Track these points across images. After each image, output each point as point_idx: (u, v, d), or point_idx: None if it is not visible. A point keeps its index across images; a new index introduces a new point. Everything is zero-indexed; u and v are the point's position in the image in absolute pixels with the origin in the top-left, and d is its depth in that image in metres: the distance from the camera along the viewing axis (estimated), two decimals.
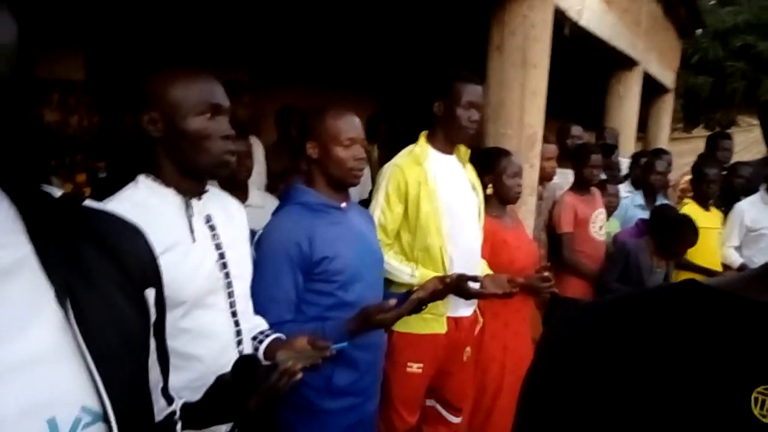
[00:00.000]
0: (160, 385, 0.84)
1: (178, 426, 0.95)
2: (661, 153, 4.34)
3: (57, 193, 0.68)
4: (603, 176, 3.81)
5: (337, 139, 1.72)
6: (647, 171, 4.08)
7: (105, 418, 0.62)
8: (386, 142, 4.84)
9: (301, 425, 1.74)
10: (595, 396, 0.52)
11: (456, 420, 2.42)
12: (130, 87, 1.41)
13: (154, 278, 0.76)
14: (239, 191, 2.59)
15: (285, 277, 1.64)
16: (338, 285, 1.71)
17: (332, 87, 5.49)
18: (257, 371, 1.01)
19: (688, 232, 3.24)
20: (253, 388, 1.03)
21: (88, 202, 0.74)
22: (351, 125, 1.75)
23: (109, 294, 0.67)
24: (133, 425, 0.65)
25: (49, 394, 0.58)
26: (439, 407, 2.40)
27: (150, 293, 0.75)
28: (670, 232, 3.29)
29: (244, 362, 1.00)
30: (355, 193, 2.64)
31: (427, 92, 2.32)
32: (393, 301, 1.58)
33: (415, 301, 1.65)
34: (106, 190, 1.32)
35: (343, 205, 1.81)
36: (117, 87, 3.46)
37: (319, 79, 5.59)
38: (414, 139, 2.29)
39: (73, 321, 0.61)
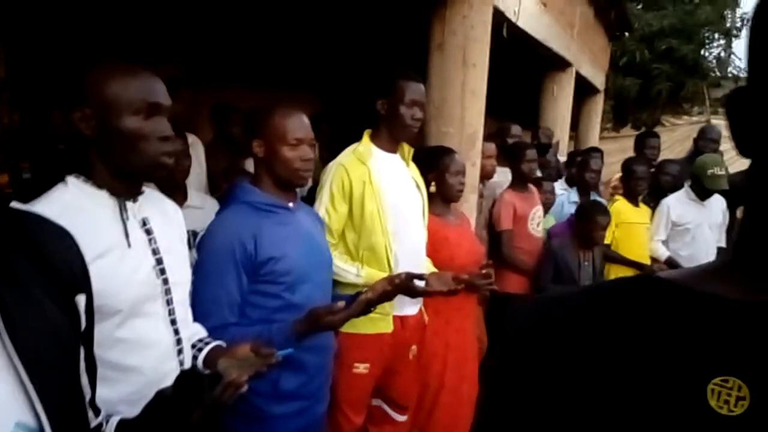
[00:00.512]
0: (88, 396, 0.79)
1: None
2: (594, 152, 4.51)
3: None
4: (539, 174, 3.92)
5: (284, 139, 1.68)
6: (582, 169, 4.22)
7: None
8: (328, 142, 4.81)
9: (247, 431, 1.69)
10: (555, 390, 0.52)
11: (402, 418, 2.42)
12: (63, 82, 1.32)
13: (84, 284, 0.73)
14: (177, 192, 2.49)
15: (229, 278, 1.59)
16: (285, 287, 1.67)
17: (271, 85, 5.39)
18: (201, 385, 0.97)
19: (597, 213, 3.38)
20: (196, 403, 0.99)
21: (14, 204, 0.70)
22: (299, 125, 1.71)
23: (38, 301, 0.64)
24: None
25: None
26: (385, 406, 2.40)
27: (80, 299, 0.71)
28: (582, 219, 3.42)
29: (187, 376, 0.96)
30: None
31: (369, 90, 2.31)
32: (342, 303, 1.55)
33: (363, 302, 1.64)
34: (31, 192, 1.23)
35: (291, 204, 1.77)
36: (42, 83, 3.27)
37: (257, 77, 5.46)
38: (356, 139, 2.27)
39: (2, 330, 0.58)
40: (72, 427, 0.64)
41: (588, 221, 3.38)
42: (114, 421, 1.04)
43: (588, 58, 6.87)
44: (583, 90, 7.34)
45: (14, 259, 0.63)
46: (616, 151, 8.45)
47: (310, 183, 3.86)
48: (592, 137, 8.01)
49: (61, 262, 0.69)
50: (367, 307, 1.68)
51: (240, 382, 1.10)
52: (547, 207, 3.91)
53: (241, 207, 1.69)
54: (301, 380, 1.74)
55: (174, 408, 0.97)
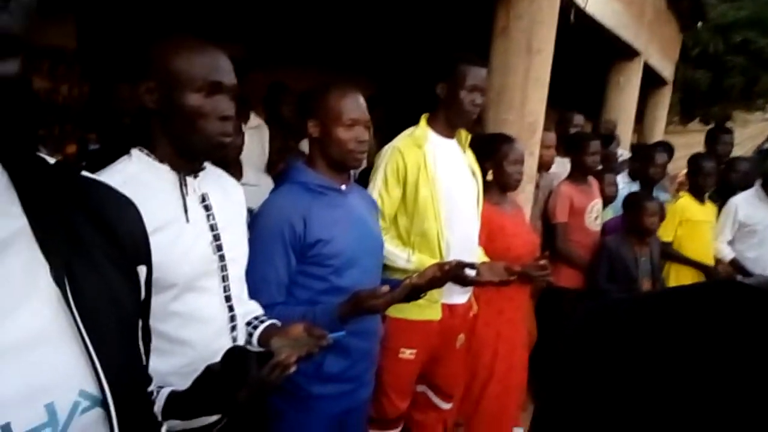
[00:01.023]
0: (143, 362, 0.80)
1: (156, 407, 0.93)
2: (661, 146, 4.32)
3: (51, 160, 0.64)
4: (599, 166, 3.79)
5: (340, 120, 1.65)
6: (646, 163, 4.05)
7: (103, 403, 0.59)
8: (383, 126, 4.78)
9: (290, 411, 1.70)
10: (626, 393, 0.50)
11: (447, 406, 2.40)
12: (131, 54, 1.33)
13: (146, 256, 0.73)
14: (232, 169, 2.53)
15: (277, 258, 1.59)
16: (332, 270, 1.65)
17: (326, 67, 5.39)
18: (248, 363, 0.97)
19: (643, 200, 3.23)
20: (243, 380, 0.99)
21: (84, 173, 0.70)
22: (355, 105, 1.68)
23: (105, 270, 0.64)
24: (130, 409, 0.63)
25: (46, 377, 0.56)
26: (430, 393, 2.38)
27: (142, 270, 0.72)
28: (630, 209, 3.29)
29: (235, 353, 0.96)
30: None
31: (429, 74, 2.26)
32: (386, 288, 1.53)
33: (408, 286, 1.59)
34: (98, 163, 1.26)
35: (343, 187, 1.75)
36: (110, 55, 3.37)
37: (311, 58, 5.47)
38: (411, 123, 2.23)
39: (71, 300, 0.58)
40: (132, 397, 0.64)
41: (636, 210, 3.24)
42: (165, 392, 1.06)
43: (657, 47, 6.58)
44: (650, 81, 7.05)
45: (80, 225, 0.63)
46: (683, 146, 8.10)
47: (364, 164, 3.89)
48: (658, 131, 7.71)
49: (126, 232, 0.69)
50: (414, 293, 1.66)
51: (288, 363, 1.09)
52: (609, 200, 3.79)
53: (293, 187, 1.68)
54: (345, 364, 1.73)
55: (221, 384, 0.98)
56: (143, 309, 0.73)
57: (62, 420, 0.56)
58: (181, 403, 1.05)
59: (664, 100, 7.83)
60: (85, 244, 0.63)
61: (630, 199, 3.37)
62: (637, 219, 3.25)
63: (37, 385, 0.55)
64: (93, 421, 0.59)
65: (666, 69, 7.35)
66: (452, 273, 1.76)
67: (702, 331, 0.49)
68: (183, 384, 1.06)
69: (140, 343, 0.74)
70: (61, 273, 0.58)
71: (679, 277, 3.75)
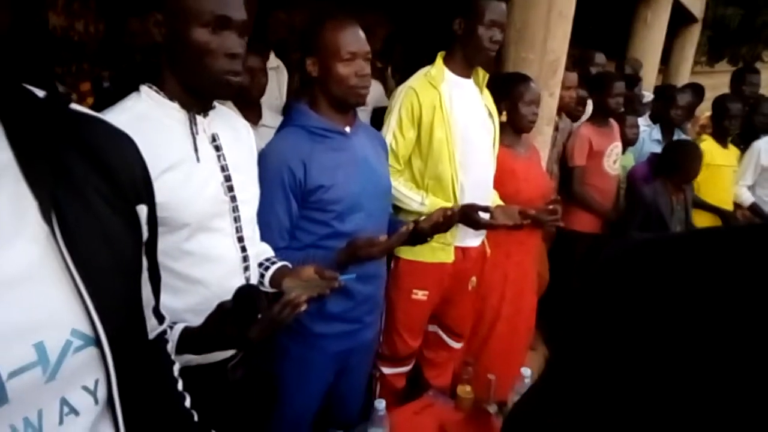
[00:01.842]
0: (152, 304, 0.81)
1: (169, 345, 0.94)
2: (690, 88, 4.18)
3: (40, 93, 0.61)
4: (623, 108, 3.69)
5: (338, 54, 1.58)
6: (668, 105, 3.94)
7: (97, 342, 0.58)
8: (401, 64, 4.67)
9: (294, 347, 1.73)
10: (648, 338, 0.49)
11: (457, 345, 2.45)
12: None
13: (146, 194, 0.71)
14: (252, 110, 2.51)
15: (278, 203, 1.57)
16: (334, 215, 1.64)
17: (345, 4, 5.22)
18: (258, 301, 0.98)
19: (691, 149, 3.21)
20: (253, 318, 1.01)
21: (75, 106, 0.67)
22: (352, 37, 1.59)
23: (97, 209, 0.62)
24: (126, 348, 0.62)
25: (35, 316, 0.55)
26: (441, 333, 2.43)
27: (142, 210, 0.69)
28: (675, 157, 3.25)
29: (245, 291, 0.97)
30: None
31: (446, 9, 2.18)
32: (383, 237, 1.52)
33: (404, 234, 1.57)
34: (109, 101, 1.25)
35: (348, 129, 1.70)
36: None
37: None
38: (430, 61, 2.17)
39: (59, 237, 0.56)
40: (127, 336, 0.63)
41: (683, 158, 3.21)
42: (179, 328, 1.09)
43: None
44: (679, 18, 6.74)
45: (72, 161, 0.61)
46: (709, 87, 7.80)
47: (385, 102, 3.82)
48: (684, 71, 7.43)
49: (123, 170, 0.67)
50: (420, 237, 1.66)
51: (299, 301, 1.10)
52: (630, 143, 3.72)
53: (294, 131, 1.63)
54: (348, 305, 1.74)
55: (232, 321, 1.00)
56: (149, 248, 0.72)
57: (53, 359, 0.55)
58: (194, 339, 1.08)
59: (692, 38, 7.50)
60: (77, 180, 0.61)
61: (675, 146, 3.32)
62: (682, 168, 3.22)
63: (24, 324, 0.54)
64: (87, 360, 0.59)
65: (696, 5, 7.00)
66: (457, 218, 1.75)
67: (730, 279, 0.47)
68: (197, 321, 1.08)
69: (147, 282, 0.74)
70: (48, 209, 0.56)
71: (697, 222, 3.71)
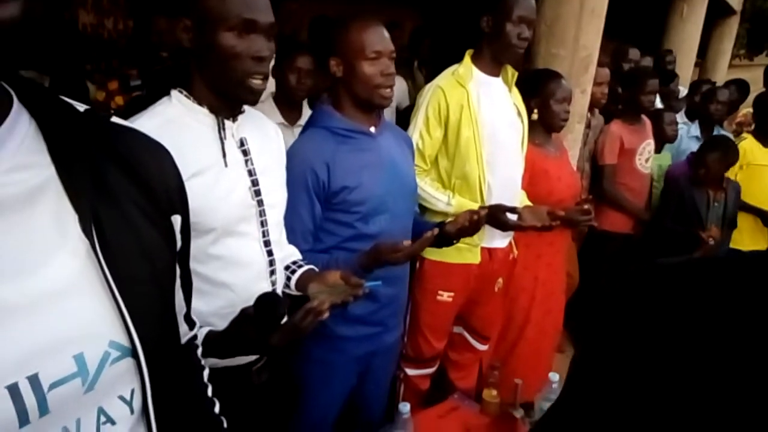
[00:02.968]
0: (184, 311, 0.82)
1: (199, 351, 0.94)
2: (734, 84, 4.05)
3: (80, 107, 0.63)
4: (659, 104, 3.60)
5: (362, 53, 1.56)
6: (707, 100, 3.81)
7: (133, 353, 0.60)
8: (429, 59, 4.63)
9: (316, 350, 1.73)
10: (668, 364, 0.47)
11: (483, 347, 2.42)
12: None
13: (181, 204, 0.72)
14: (294, 109, 2.52)
15: (301, 205, 1.56)
16: (359, 216, 1.62)
17: None
18: (278, 308, 0.98)
19: (723, 148, 3.14)
20: (274, 325, 1.00)
21: (114, 119, 0.69)
22: (377, 37, 1.57)
23: (134, 220, 0.63)
24: (160, 358, 0.63)
25: (75, 328, 0.56)
26: (466, 334, 2.40)
27: (176, 220, 0.71)
28: (707, 154, 3.19)
29: (266, 298, 0.97)
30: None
31: (474, 5, 2.14)
32: (407, 242, 1.50)
33: (428, 239, 1.54)
34: (142, 104, 1.26)
35: (372, 129, 1.68)
36: None
37: None
38: (459, 56, 2.13)
39: (99, 250, 0.58)
40: (162, 346, 0.65)
41: (713, 157, 3.14)
42: (203, 331, 1.09)
43: None
44: (717, 10, 6.55)
45: (110, 174, 0.62)
46: (749, 80, 7.60)
47: (407, 102, 3.78)
48: (721, 65, 7.24)
49: (159, 181, 0.68)
50: (446, 240, 1.63)
51: (321, 309, 1.09)
52: (670, 140, 3.64)
53: (318, 132, 1.62)
54: (371, 308, 1.73)
55: (254, 327, 1.00)
56: (181, 257, 0.73)
57: (92, 370, 0.57)
58: (217, 343, 1.09)
59: (730, 31, 7.29)
60: (116, 195, 0.62)
61: (711, 143, 3.28)
62: (712, 166, 3.17)
63: (65, 335, 0.55)
64: (124, 371, 0.60)
65: None
66: (483, 221, 1.71)
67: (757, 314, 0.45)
68: (223, 325, 1.09)
69: (179, 290, 0.75)
70: (89, 223, 0.58)
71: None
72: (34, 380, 0.52)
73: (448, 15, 5.27)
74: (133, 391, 0.62)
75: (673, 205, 3.24)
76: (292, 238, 1.54)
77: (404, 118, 2.72)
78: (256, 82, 1.18)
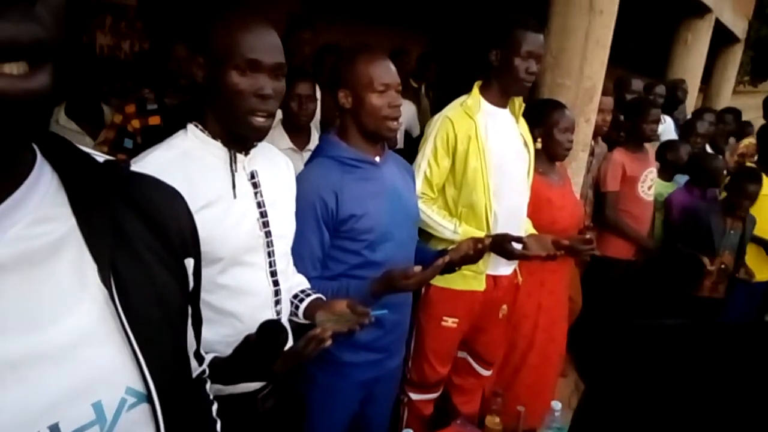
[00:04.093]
0: (194, 348, 0.83)
1: (208, 384, 0.96)
2: (708, 112, 4.12)
3: (100, 158, 0.65)
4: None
5: (371, 86, 1.61)
6: (689, 132, 3.90)
7: (149, 398, 0.61)
8: (435, 83, 4.69)
9: (321, 375, 1.75)
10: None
11: (486, 373, 2.44)
12: (192, 23, 1.34)
13: (194, 247, 0.74)
14: (301, 134, 2.57)
15: (311, 233, 1.60)
16: (366, 244, 1.66)
17: (379, 22, 5.28)
18: (279, 336, 1.01)
19: (746, 180, 3.22)
20: (276, 353, 1.04)
21: (132, 168, 0.71)
22: (385, 70, 1.63)
23: (150, 266, 0.65)
24: (174, 402, 0.65)
25: (94, 376, 0.57)
26: (470, 359, 2.42)
27: (189, 263, 0.72)
28: (731, 184, 3.29)
29: (268, 326, 1.01)
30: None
31: (484, 38, 2.20)
32: (418, 268, 1.53)
33: (439, 266, 1.59)
34: (160, 137, 1.30)
35: (377, 159, 1.73)
36: (169, 14, 3.40)
37: (367, 15, 5.36)
38: (464, 82, 2.18)
39: (116, 300, 0.59)
40: (176, 389, 0.66)
41: (752, 187, 3.24)
42: (208, 357, 1.13)
43: (730, 3, 6.16)
44: (721, 39, 6.63)
45: (128, 223, 0.64)
46: (752, 107, 7.65)
47: (417, 125, 3.82)
48: (725, 91, 7.30)
49: (173, 226, 0.70)
50: (451, 267, 1.67)
51: (323, 337, 1.13)
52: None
53: (326, 161, 1.66)
54: (377, 334, 1.76)
55: (256, 354, 1.03)
56: (192, 297, 0.75)
57: (109, 417, 0.58)
58: (222, 369, 1.11)
59: (734, 59, 7.37)
60: (133, 242, 0.64)
61: (736, 174, 3.38)
62: (734, 196, 3.27)
63: (84, 384, 0.56)
64: (139, 417, 0.61)
65: (738, 26, 6.89)
66: (486, 250, 1.76)
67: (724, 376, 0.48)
68: (228, 352, 1.12)
69: (190, 328, 0.76)
70: (107, 273, 0.59)
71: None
72: (54, 429, 0.53)
73: (455, 40, 5.35)
74: None
75: (687, 230, 3.29)
76: (301, 265, 1.58)
77: (411, 145, 2.77)
78: (259, 120, 1.22)
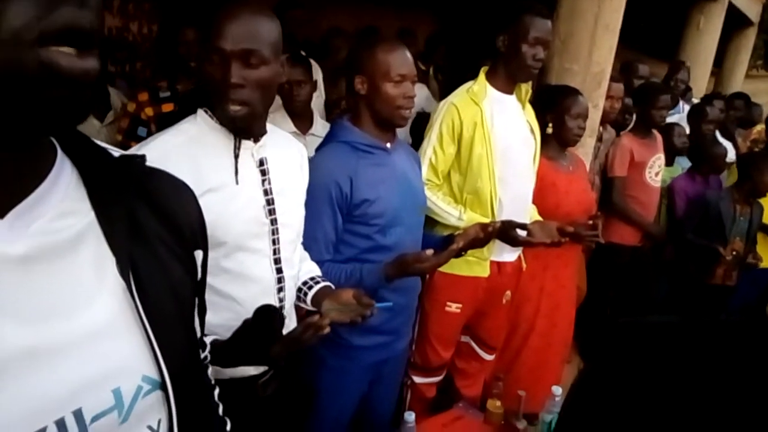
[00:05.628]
0: (198, 335, 0.84)
1: (209, 370, 0.99)
2: (717, 98, 4.08)
3: (115, 152, 0.67)
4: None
5: (388, 75, 1.64)
6: (699, 118, 3.86)
7: (162, 386, 0.64)
8: (444, 65, 4.65)
9: (332, 359, 1.78)
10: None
11: (489, 357, 2.47)
12: (201, 5, 1.34)
13: (202, 240, 0.76)
14: (303, 119, 2.58)
15: (325, 217, 1.63)
16: (377, 228, 1.69)
17: (390, 4, 5.23)
18: (275, 321, 1.03)
19: (764, 159, 3.20)
20: (272, 337, 1.06)
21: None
22: (402, 61, 1.66)
23: (163, 259, 0.68)
24: (185, 388, 0.68)
25: (114, 364, 0.60)
26: (473, 344, 2.45)
27: (198, 255, 0.75)
28: (749, 168, 3.26)
29: (263, 311, 1.02)
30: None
31: (491, 23, 2.19)
32: (430, 251, 1.56)
33: (453, 251, 1.63)
34: (173, 122, 1.32)
35: (389, 145, 1.75)
36: None
37: None
38: (473, 64, 2.18)
39: (134, 292, 0.62)
40: (187, 378, 0.69)
41: (754, 170, 3.22)
42: (207, 340, 1.16)
43: None
44: (734, 22, 6.53)
45: (143, 217, 0.66)
46: (765, 92, 7.57)
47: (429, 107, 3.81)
48: (738, 75, 7.22)
49: (183, 218, 0.72)
50: (458, 252, 1.69)
51: (322, 324, 1.14)
52: (680, 152, 3.69)
53: (339, 146, 1.68)
54: (385, 317, 1.76)
55: (252, 337, 1.06)
56: (199, 287, 0.78)
57: (127, 403, 0.61)
58: (221, 352, 1.14)
59: (747, 42, 7.26)
60: (148, 235, 0.66)
61: (751, 157, 3.35)
62: (753, 179, 3.24)
63: (105, 371, 0.59)
64: (153, 403, 0.64)
65: (752, 9, 6.77)
66: (494, 235, 1.77)
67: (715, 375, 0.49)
68: (226, 337, 1.15)
69: (195, 316, 0.78)
70: (126, 266, 0.61)
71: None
72: (78, 414, 0.56)
73: (464, 22, 5.30)
74: (159, 421, 0.66)
75: (695, 217, 3.29)
76: (315, 249, 1.61)
77: (418, 125, 2.75)
78: (233, 107, 1.21)
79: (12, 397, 0.52)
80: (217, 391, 0.96)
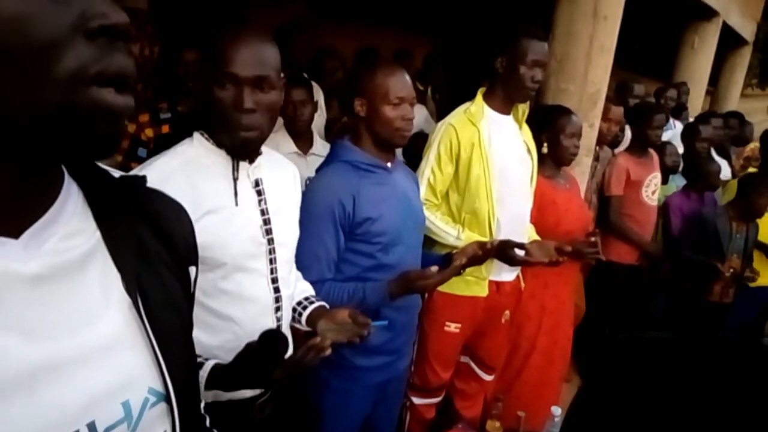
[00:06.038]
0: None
1: (201, 386, 1.01)
2: (714, 117, 4.12)
3: (115, 174, 0.69)
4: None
5: (387, 98, 1.66)
6: (692, 137, 3.89)
7: (166, 398, 0.66)
8: (442, 84, 4.70)
9: (335, 380, 1.78)
10: None
11: (488, 378, 2.46)
12: (202, 28, 1.36)
13: (195, 256, 0.80)
14: (303, 139, 2.60)
15: (328, 236, 1.64)
16: (380, 247, 1.70)
17: (387, 24, 5.29)
18: (279, 346, 1.04)
19: (761, 181, 3.23)
20: (276, 361, 1.06)
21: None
22: (401, 84, 1.69)
23: (163, 276, 0.71)
24: (188, 400, 0.70)
25: (123, 378, 0.62)
26: (472, 364, 2.44)
27: (192, 271, 0.78)
28: (747, 189, 3.28)
29: (268, 335, 1.03)
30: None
31: (490, 45, 2.22)
32: (435, 268, 1.57)
33: (457, 267, 1.65)
34: (169, 144, 1.33)
35: (389, 164, 1.77)
36: (180, 19, 3.42)
37: (374, 17, 5.38)
38: (471, 84, 2.20)
39: (140, 308, 0.64)
40: (188, 390, 0.71)
41: (752, 191, 3.25)
42: (209, 364, 1.17)
43: (738, 6, 6.14)
44: (728, 41, 6.61)
45: (143, 234, 0.69)
46: (760, 110, 7.63)
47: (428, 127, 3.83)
48: (733, 94, 7.28)
49: (180, 238, 0.75)
50: (458, 270, 1.71)
51: (323, 346, 1.15)
52: (672, 171, 3.72)
53: (341, 166, 1.70)
54: (387, 337, 1.78)
55: (257, 362, 1.06)
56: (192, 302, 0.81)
57: (135, 415, 0.63)
58: (223, 376, 1.15)
59: (742, 61, 7.34)
60: (149, 253, 0.69)
61: (749, 179, 3.38)
62: (751, 201, 3.26)
63: (115, 385, 0.62)
64: (158, 414, 0.67)
65: (746, 28, 6.86)
66: (493, 253, 1.79)
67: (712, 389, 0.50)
68: (227, 358, 1.16)
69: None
70: (132, 283, 0.64)
71: None
72: (91, 427, 0.58)
73: (461, 42, 5.36)
74: None
75: (692, 235, 3.30)
76: (317, 267, 1.61)
77: (416, 145, 2.78)
78: (245, 134, 1.22)
79: (29, 411, 0.53)
80: (202, 405, 0.98)
